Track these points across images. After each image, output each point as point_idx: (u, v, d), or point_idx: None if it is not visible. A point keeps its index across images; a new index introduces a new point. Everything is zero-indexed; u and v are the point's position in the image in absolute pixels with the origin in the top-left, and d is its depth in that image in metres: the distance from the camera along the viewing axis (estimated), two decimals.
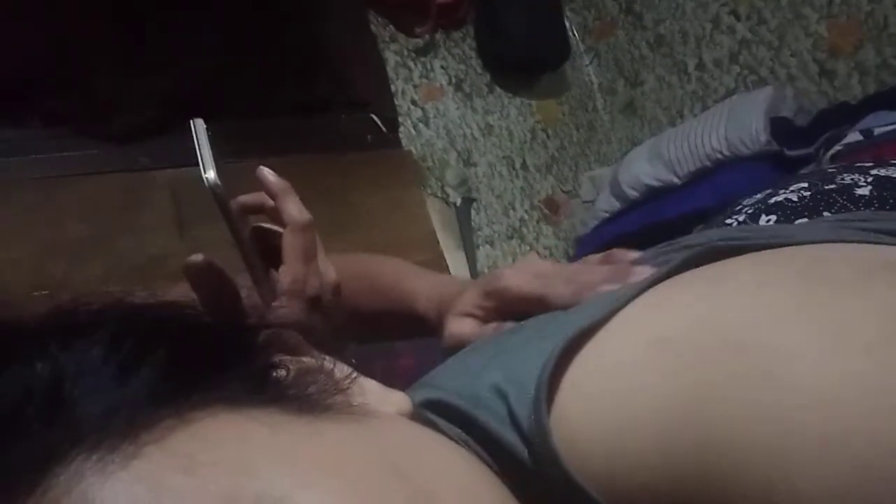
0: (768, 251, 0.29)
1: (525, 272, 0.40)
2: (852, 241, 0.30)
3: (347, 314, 0.48)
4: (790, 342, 0.22)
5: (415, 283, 0.52)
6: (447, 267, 1.49)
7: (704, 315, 0.25)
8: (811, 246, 0.29)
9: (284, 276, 0.43)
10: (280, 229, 0.44)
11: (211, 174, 0.39)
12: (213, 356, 0.23)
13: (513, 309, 0.40)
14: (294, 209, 0.43)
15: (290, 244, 0.43)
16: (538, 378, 0.26)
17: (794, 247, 0.29)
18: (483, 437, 0.28)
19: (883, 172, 0.46)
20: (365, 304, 0.54)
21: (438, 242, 1.49)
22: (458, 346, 0.41)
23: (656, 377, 0.24)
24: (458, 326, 0.43)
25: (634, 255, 0.40)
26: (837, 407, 0.20)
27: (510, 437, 0.26)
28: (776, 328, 0.22)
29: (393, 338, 0.58)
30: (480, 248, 1.81)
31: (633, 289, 0.29)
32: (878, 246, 0.29)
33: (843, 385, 0.20)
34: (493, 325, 0.41)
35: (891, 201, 0.41)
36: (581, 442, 0.25)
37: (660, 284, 0.29)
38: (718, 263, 0.29)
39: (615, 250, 0.41)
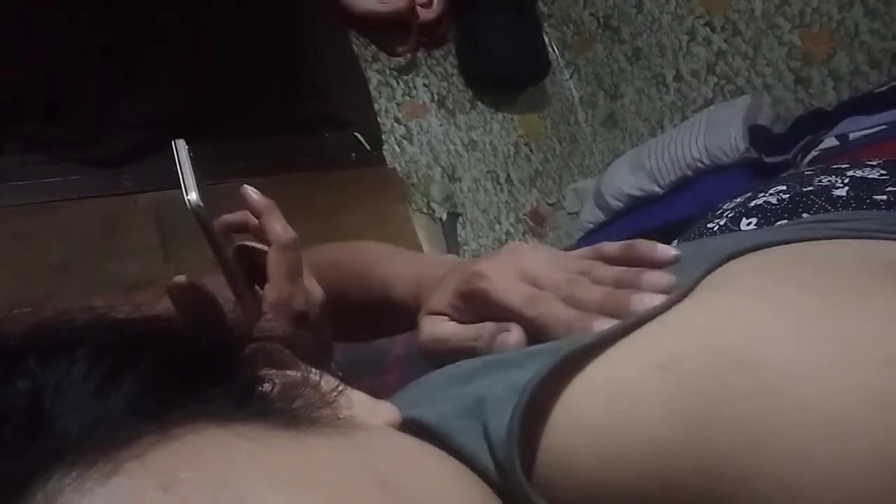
0: (765, 254, 0.29)
1: (511, 273, 0.34)
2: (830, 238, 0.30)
3: (331, 311, 0.46)
4: (793, 359, 0.21)
5: (392, 267, 0.48)
6: None
7: (706, 335, 0.24)
8: (811, 247, 0.29)
9: (270, 293, 0.43)
10: (265, 247, 0.44)
11: (193, 195, 0.38)
12: (196, 371, 0.23)
13: (493, 316, 0.35)
14: (278, 227, 0.43)
15: (275, 262, 0.43)
16: (514, 406, 0.25)
17: (789, 246, 0.29)
18: (457, 455, 0.27)
19: (859, 174, 0.46)
20: (346, 293, 0.50)
21: None
22: (435, 349, 0.37)
23: (656, 403, 0.23)
24: (434, 328, 0.37)
25: (664, 251, 0.33)
26: (843, 427, 0.19)
27: (483, 458, 0.26)
28: (778, 344, 0.22)
29: (382, 334, 0.54)
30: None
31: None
32: (867, 242, 0.29)
33: (849, 403, 0.19)
34: (486, 327, 0.35)
35: (867, 201, 0.42)
36: (573, 468, 0.25)
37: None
38: (716, 273, 0.28)
39: (638, 241, 0.34)
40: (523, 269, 0.35)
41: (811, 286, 0.24)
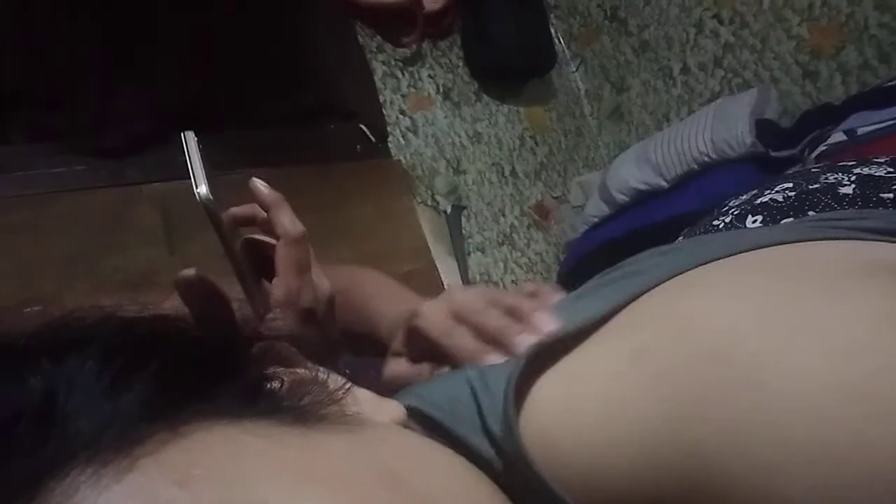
0: (747, 254, 0.29)
1: (442, 310, 0.38)
2: (833, 238, 0.30)
3: (337, 327, 0.48)
4: (771, 349, 0.22)
5: (382, 306, 0.52)
6: (439, 275, 1.49)
7: (683, 324, 0.25)
8: (789, 247, 0.29)
9: (278, 288, 0.43)
10: (273, 241, 0.44)
11: (203, 188, 0.38)
12: (206, 369, 0.23)
13: (430, 350, 0.38)
14: (287, 221, 0.43)
15: (284, 256, 0.43)
16: (504, 391, 0.26)
17: (771, 248, 0.29)
18: (458, 447, 0.28)
19: (866, 171, 0.46)
20: (344, 321, 0.53)
21: (430, 251, 1.49)
22: (394, 387, 0.39)
23: (637, 391, 0.24)
24: (391, 368, 0.41)
25: (557, 296, 0.37)
26: (821, 413, 0.20)
27: (484, 448, 0.27)
28: (756, 335, 0.22)
29: (370, 355, 0.58)
30: (472, 255, 1.81)
31: (610, 300, 0.29)
32: (857, 243, 0.29)
33: (826, 391, 0.20)
34: (426, 366, 0.39)
35: (874, 199, 0.42)
36: (558, 455, 0.25)
37: (646, 294, 0.29)
38: (695, 271, 0.29)
39: (540, 287, 0.39)
40: (452, 306, 0.38)
41: (787, 284, 0.25)
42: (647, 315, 0.27)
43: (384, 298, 0.53)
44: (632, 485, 0.24)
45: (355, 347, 0.54)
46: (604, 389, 0.25)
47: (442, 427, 0.28)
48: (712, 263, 0.29)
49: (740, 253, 0.30)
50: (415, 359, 0.40)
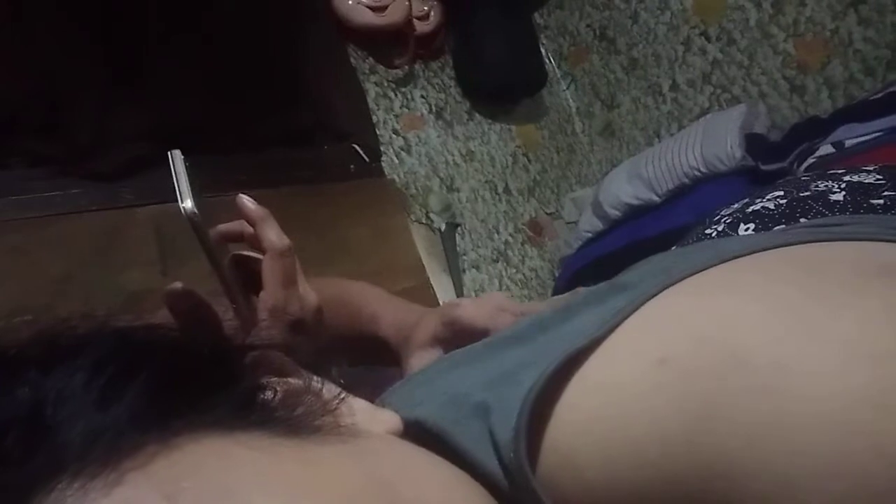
0: (762, 254, 0.28)
1: (484, 305, 0.41)
2: (839, 240, 0.29)
3: (327, 338, 0.48)
4: (792, 356, 0.21)
5: (378, 308, 0.54)
6: (434, 293, 1.48)
7: (704, 331, 0.24)
8: (807, 249, 0.29)
9: (265, 301, 0.43)
10: (260, 256, 0.44)
11: (188, 203, 0.39)
12: (197, 380, 0.23)
13: (466, 341, 0.38)
14: (273, 235, 0.43)
15: (270, 270, 0.43)
16: (519, 409, 0.25)
17: (786, 248, 0.29)
18: (459, 460, 0.27)
19: (855, 178, 0.47)
20: (337, 327, 0.55)
21: (425, 268, 1.49)
22: None
23: (658, 401, 0.23)
24: (422, 360, 0.43)
25: None
26: (842, 424, 0.19)
27: (488, 461, 0.26)
28: (777, 342, 0.22)
29: (364, 363, 0.59)
30: (467, 272, 1.81)
31: (629, 306, 0.28)
32: (866, 244, 0.29)
33: (848, 401, 0.19)
34: None
35: (864, 206, 0.42)
36: (578, 468, 0.25)
37: (655, 298, 0.28)
38: (712, 271, 0.28)
39: (580, 289, 0.40)
40: (497, 304, 0.41)
41: (806, 285, 0.24)
42: (672, 318, 0.26)
43: (380, 303, 0.55)
44: (651, 499, 0.23)
45: (347, 355, 0.56)
46: (626, 402, 0.24)
47: (442, 436, 0.27)
48: (726, 265, 0.28)
49: (747, 255, 0.29)
50: (446, 350, 0.42)
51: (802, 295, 0.23)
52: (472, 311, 0.41)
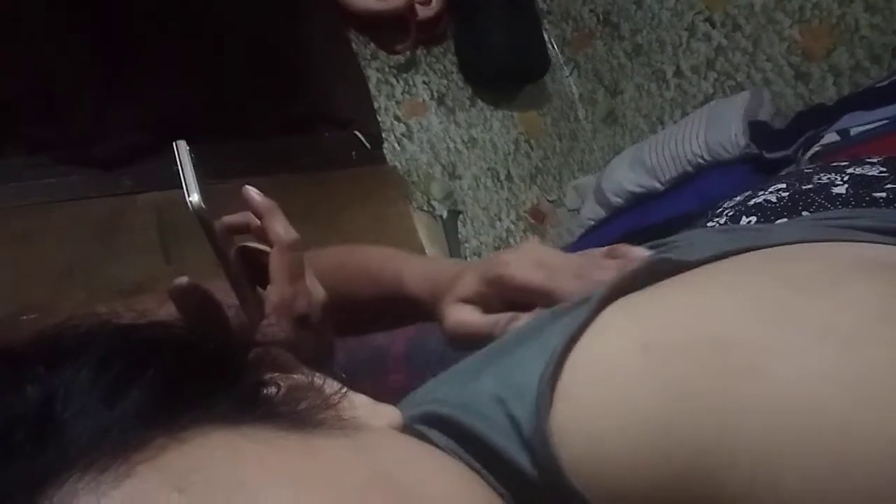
0: (746, 254, 0.29)
1: (529, 260, 0.39)
2: (827, 240, 0.30)
3: (338, 305, 0.47)
4: (772, 338, 0.22)
5: (402, 265, 0.51)
6: None
7: (686, 316, 0.25)
8: (787, 247, 0.30)
9: (272, 295, 0.43)
10: (267, 248, 0.44)
11: (195, 197, 0.38)
12: (203, 375, 0.23)
13: (515, 298, 0.39)
14: (280, 228, 0.43)
15: (277, 263, 0.43)
16: (538, 387, 0.26)
17: (770, 249, 0.30)
18: (479, 448, 0.27)
19: (858, 171, 0.46)
20: (354, 292, 0.53)
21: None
22: (463, 335, 0.41)
23: (644, 383, 0.24)
24: (461, 314, 0.41)
25: (639, 251, 0.39)
26: (818, 401, 0.20)
27: (509, 446, 0.26)
28: (758, 325, 0.23)
29: (387, 326, 0.57)
30: (468, 259, 1.81)
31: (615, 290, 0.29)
32: (851, 243, 0.30)
33: (823, 379, 0.20)
34: (504, 316, 0.39)
35: (867, 199, 0.42)
36: (572, 449, 0.25)
37: (646, 289, 0.29)
38: (703, 268, 0.29)
39: (620, 245, 0.40)
40: (538, 258, 0.39)
41: (789, 276, 0.25)
42: (656, 306, 0.27)
43: (403, 261, 0.52)
44: (640, 479, 0.23)
45: (372, 318, 0.54)
46: (615, 386, 0.25)
47: (460, 427, 0.28)
48: (716, 263, 0.29)
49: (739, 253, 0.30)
50: (486, 307, 0.40)
51: (780, 284, 0.25)
52: (524, 270, 0.39)
